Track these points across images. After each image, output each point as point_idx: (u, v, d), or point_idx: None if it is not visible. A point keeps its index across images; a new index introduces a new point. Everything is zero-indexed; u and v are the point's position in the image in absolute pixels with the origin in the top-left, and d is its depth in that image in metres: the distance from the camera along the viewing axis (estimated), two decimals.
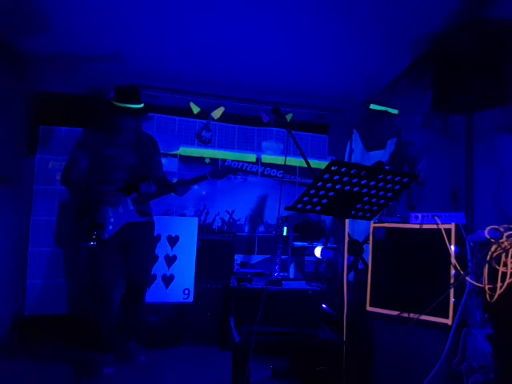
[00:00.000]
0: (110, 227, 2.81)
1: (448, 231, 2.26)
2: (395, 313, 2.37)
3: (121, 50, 3.48)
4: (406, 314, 2.32)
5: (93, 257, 2.82)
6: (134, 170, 2.95)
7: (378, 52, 3.34)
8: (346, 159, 4.02)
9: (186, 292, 3.49)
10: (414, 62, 3.44)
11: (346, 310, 2.17)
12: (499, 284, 1.91)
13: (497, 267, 1.94)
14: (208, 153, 4.44)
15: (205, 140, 4.41)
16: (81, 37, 3.26)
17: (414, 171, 3.11)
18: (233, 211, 4.43)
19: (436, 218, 2.32)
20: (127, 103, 2.84)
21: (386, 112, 2.99)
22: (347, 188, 1.88)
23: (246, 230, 4.48)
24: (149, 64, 3.75)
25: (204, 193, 4.34)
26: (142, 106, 2.90)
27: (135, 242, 2.93)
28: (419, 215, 2.39)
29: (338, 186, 1.86)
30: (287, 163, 4.62)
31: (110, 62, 3.69)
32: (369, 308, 2.53)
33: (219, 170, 3.02)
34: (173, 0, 2.78)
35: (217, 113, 4.41)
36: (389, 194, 2.00)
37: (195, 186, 4.04)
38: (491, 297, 1.95)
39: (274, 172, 4.62)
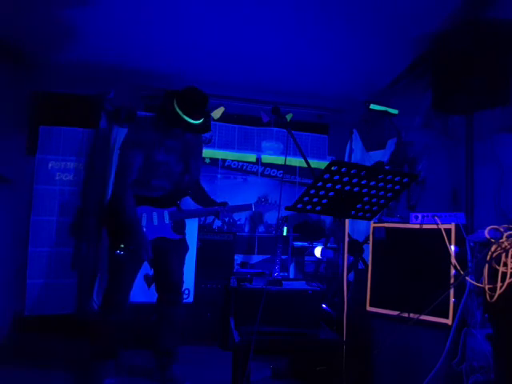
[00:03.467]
0: None
1: (448, 231, 2.26)
2: (395, 313, 2.37)
3: (122, 50, 3.50)
4: (406, 314, 2.32)
5: (116, 265, 2.63)
6: (177, 178, 2.70)
7: (378, 52, 3.34)
8: (346, 159, 4.02)
9: (186, 292, 3.49)
10: (414, 62, 3.45)
11: (346, 309, 2.17)
12: (499, 284, 1.91)
13: (497, 267, 1.94)
14: (208, 153, 4.44)
15: (205, 140, 4.40)
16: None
17: (414, 171, 3.11)
18: None
19: (436, 218, 2.32)
20: (187, 115, 2.49)
21: (386, 112, 2.99)
22: (347, 188, 1.88)
23: (246, 230, 4.48)
24: (149, 65, 3.75)
25: None
26: (201, 121, 2.55)
27: (168, 253, 2.71)
28: (419, 215, 2.39)
29: (338, 186, 1.86)
30: (287, 163, 4.62)
31: (111, 63, 3.70)
32: (369, 308, 2.53)
33: (263, 202, 2.95)
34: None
35: (217, 113, 4.41)
36: (389, 194, 2.00)
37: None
38: (491, 297, 1.94)
39: (274, 172, 4.62)
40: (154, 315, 2.91)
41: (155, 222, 2.65)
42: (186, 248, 2.85)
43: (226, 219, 4.39)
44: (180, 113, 2.49)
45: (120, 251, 2.54)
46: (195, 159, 2.79)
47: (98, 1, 2.80)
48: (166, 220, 2.67)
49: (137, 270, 2.74)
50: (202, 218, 4.31)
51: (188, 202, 2.96)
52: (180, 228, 2.78)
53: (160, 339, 2.82)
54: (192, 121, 2.51)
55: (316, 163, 4.54)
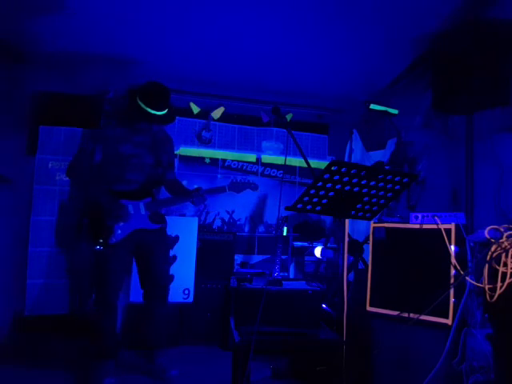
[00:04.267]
0: (119, 231, 2.65)
1: (448, 231, 2.26)
2: (395, 313, 2.37)
3: (121, 50, 3.50)
4: (406, 314, 2.32)
5: (98, 262, 2.69)
6: (150, 170, 2.80)
7: (378, 52, 3.34)
8: (346, 159, 4.02)
9: (186, 292, 3.49)
10: (414, 62, 3.45)
11: (346, 309, 2.17)
12: (499, 284, 1.91)
13: (497, 267, 1.94)
14: (208, 153, 4.44)
15: (205, 140, 4.42)
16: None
17: (414, 171, 3.11)
18: (233, 211, 4.43)
19: (436, 218, 2.32)
20: (149, 107, 2.60)
21: (386, 112, 2.99)
22: (347, 188, 1.88)
23: (246, 230, 4.48)
24: (149, 64, 3.75)
25: None
26: (164, 112, 2.67)
27: (149, 248, 2.78)
28: (419, 215, 2.39)
29: (338, 186, 1.86)
30: (287, 163, 4.62)
31: (111, 63, 3.70)
32: (369, 308, 2.53)
33: (238, 183, 2.94)
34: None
35: (217, 113, 4.42)
36: (389, 194, 2.00)
37: (194, 186, 4.01)
38: (491, 297, 1.94)
39: (274, 172, 4.62)
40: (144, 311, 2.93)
41: (132, 214, 2.71)
42: (165, 236, 2.91)
43: (226, 219, 4.40)
44: (143, 106, 2.61)
45: (100, 246, 2.59)
46: (167, 153, 2.90)
47: (97, 2, 2.80)
48: (142, 211, 2.72)
49: (123, 267, 2.77)
50: (202, 218, 4.32)
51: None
52: (157, 217, 2.82)
53: (146, 335, 2.89)
54: (155, 112, 2.62)
55: (316, 163, 4.54)
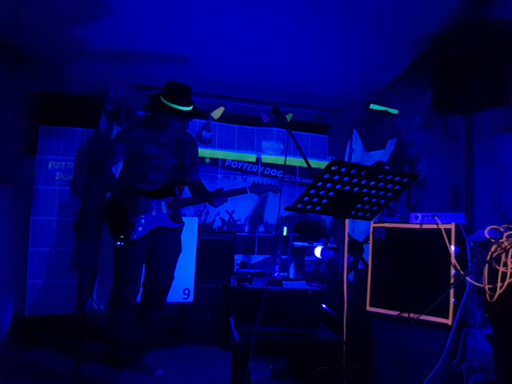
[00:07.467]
0: (140, 229, 2.69)
1: (448, 231, 2.26)
2: (395, 313, 2.37)
3: (121, 50, 3.50)
4: (406, 314, 2.32)
5: (118, 257, 2.73)
6: (172, 171, 2.87)
7: (377, 52, 3.33)
8: (345, 159, 4.02)
9: (186, 292, 3.49)
10: (414, 62, 3.44)
11: (346, 309, 2.17)
12: (499, 284, 1.91)
13: (497, 267, 1.94)
14: (208, 153, 4.44)
15: (205, 140, 4.41)
16: None
17: (414, 171, 3.11)
18: (233, 211, 4.43)
19: (436, 218, 2.32)
20: (175, 104, 2.70)
21: (386, 112, 2.99)
22: (347, 188, 1.89)
23: (246, 229, 4.48)
24: (148, 64, 3.75)
25: None
26: (190, 108, 2.77)
27: (164, 247, 2.83)
28: (419, 215, 2.39)
29: (338, 186, 1.86)
30: (287, 163, 4.62)
31: (110, 61, 3.70)
32: (369, 308, 2.53)
33: (260, 185, 2.96)
34: None
35: (217, 113, 4.41)
36: (389, 194, 2.01)
37: None
38: (491, 297, 1.95)
39: (274, 172, 4.62)
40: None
41: (153, 212, 2.75)
42: (181, 242, 2.96)
43: (226, 219, 4.40)
44: (169, 104, 2.71)
45: (120, 242, 2.64)
46: (190, 155, 2.97)
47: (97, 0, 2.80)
48: (164, 210, 2.79)
49: (141, 264, 2.79)
50: (202, 218, 4.32)
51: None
52: (177, 217, 2.90)
53: (137, 336, 2.88)
54: (182, 107, 2.72)
55: (316, 163, 4.53)
